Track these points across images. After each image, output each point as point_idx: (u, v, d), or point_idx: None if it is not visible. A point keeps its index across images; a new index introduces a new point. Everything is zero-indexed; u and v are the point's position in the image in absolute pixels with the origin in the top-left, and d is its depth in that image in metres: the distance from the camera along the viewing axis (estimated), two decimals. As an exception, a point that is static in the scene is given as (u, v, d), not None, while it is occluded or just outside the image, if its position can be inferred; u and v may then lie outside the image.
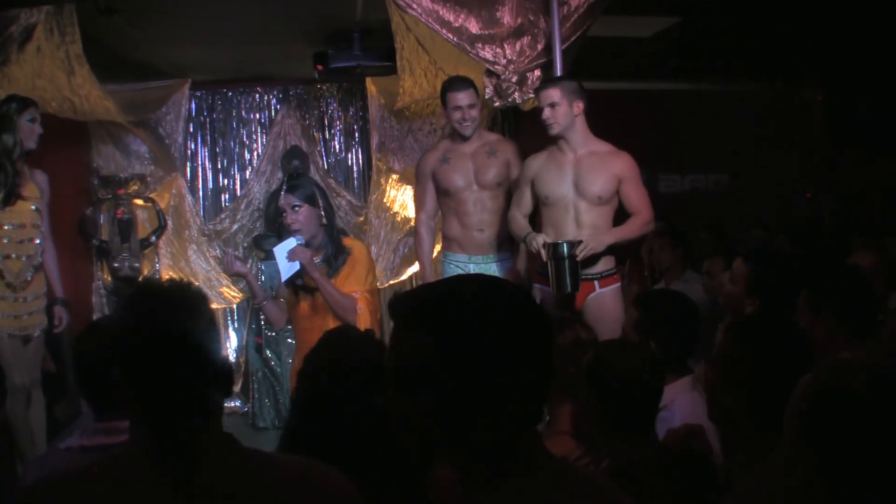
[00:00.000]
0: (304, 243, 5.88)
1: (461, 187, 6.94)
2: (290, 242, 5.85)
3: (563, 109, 6.19)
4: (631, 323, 4.66)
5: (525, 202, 6.52)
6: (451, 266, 7.08)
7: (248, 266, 5.90)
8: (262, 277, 9.74)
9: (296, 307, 6.04)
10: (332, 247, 5.97)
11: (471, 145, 6.97)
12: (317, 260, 5.89)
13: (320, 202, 5.99)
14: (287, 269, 5.84)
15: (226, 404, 10.14)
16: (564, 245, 6.00)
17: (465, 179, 6.94)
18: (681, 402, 4.19)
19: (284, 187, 6.08)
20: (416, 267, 9.85)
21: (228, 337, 10.77)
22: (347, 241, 6.18)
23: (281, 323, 6.29)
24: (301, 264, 5.80)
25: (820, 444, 2.38)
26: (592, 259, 6.19)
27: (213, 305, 10.42)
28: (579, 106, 6.25)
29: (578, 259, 6.00)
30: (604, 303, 6.31)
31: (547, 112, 6.22)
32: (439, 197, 7.10)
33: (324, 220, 5.99)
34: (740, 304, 5.73)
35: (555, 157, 6.36)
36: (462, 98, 6.77)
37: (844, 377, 2.44)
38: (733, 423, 3.26)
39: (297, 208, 5.90)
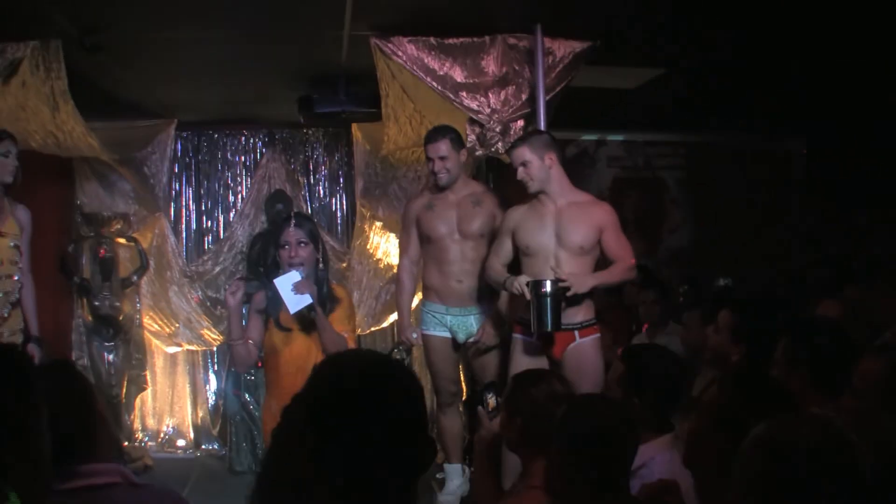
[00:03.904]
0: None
1: (444, 235, 6.94)
2: (294, 275, 5.70)
3: (535, 165, 6.21)
4: (616, 377, 4.64)
5: (504, 252, 6.51)
6: (428, 316, 7.09)
7: (239, 300, 5.76)
8: (244, 322, 9.69)
9: (282, 349, 5.85)
10: (325, 291, 5.88)
11: (456, 194, 6.98)
12: None
13: (321, 244, 5.96)
14: (295, 301, 5.66)
15: (203, 447, 10.15)
16: (547, 282, 6.00)
17: (448, 227, 6.94)
18: (660, 461, 4.15)
19: (293, 221, 5.92)
20: (396, 314, 9.83)
21: (208, 380, 10.72)
22: (332, 286, 6.11)
23: (248, 364, 6.16)
24: (311, 296, 5.68)
25: (765, 496, 2.41)
26: (574, 302, 6.19)
27: (194, 347, 10.40)
28: (551, 158, 6.26)
29: (567, 294, 6.01)
30: (584, 353, 6.29)
31: (521, 172, 6.25)
32: (422, 244, 7.10)
33: (321, 265, 5.94)
34: (725, 353, 5.75)
35: (536, 208, 6.36)
36: (432, 149, 6.82)
37: (792, 431, 2.46)
38: (710, 472, 3.26)
39: (303, 244, 5.81)
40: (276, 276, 5.83)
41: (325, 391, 2.17)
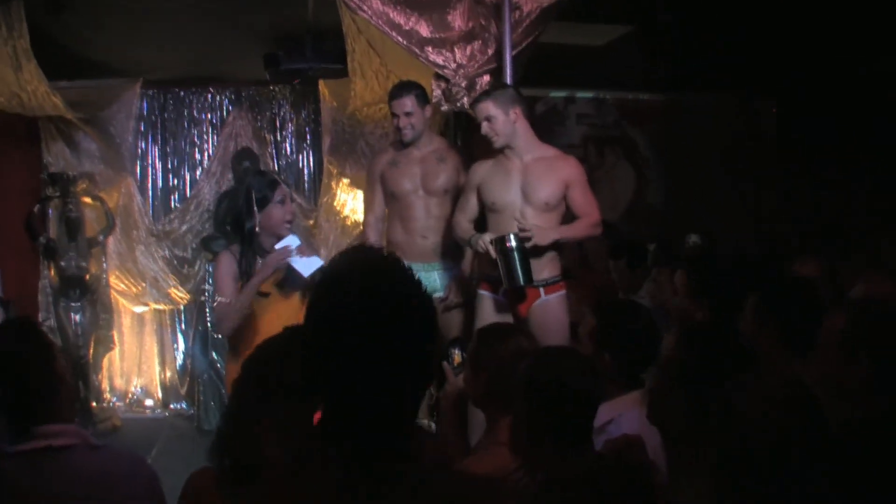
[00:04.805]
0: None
1: (408, 191, 6.90)
2: (293, 240, 5.64)
3: (500, 120, 6.14)
4: (587, 331, 4.61)
5: (470, 208, 6.46)
6: None
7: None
8: (210, 280, 9.65)
9: (261, 314, 5.65)
10: None
11: (421, 150, 6.92)
12: None
13: None
14: (306, 265, 5.59)
15: (171, 407, 10.13)
16: (511, 235, 5.95)
17: (412, 184, 6.89)
18: (628, 417, 4.12)
19: (279, 178, 5.83)
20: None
21: (176, 339, 10.68)
22: None
23: (233, 325, 5.87)
24: (319, 258, 5.64)
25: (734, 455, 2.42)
26: (538, 257, 6.15)
27: (161, 307, 10.36)
28: (516, 112, 6.20)
29: (526, 245, 5.96)
30: (550, 310, 6.26)
31: (485, 127, 6.17)
32: (386, 200, 7.05)
33: None
34: (690, 314, 5.73)
35: (502, 163, 6.31)
36: (397, 105, 6.75)
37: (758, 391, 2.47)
38: (674, 428, 3.25)
39: (293, 201, 5.78)
40: (253, 237, 5.71)
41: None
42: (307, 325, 2.06)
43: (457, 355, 4.58)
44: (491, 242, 6.03)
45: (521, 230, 5.99)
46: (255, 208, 5.69)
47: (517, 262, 5.95)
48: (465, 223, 6.45)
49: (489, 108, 6.15)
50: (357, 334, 1.97)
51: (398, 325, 1.99)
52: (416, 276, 2.11)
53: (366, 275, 2.05)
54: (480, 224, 6.46)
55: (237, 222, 5.77)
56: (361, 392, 1.97)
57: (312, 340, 2.05)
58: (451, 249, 6.93)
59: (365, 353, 1.96)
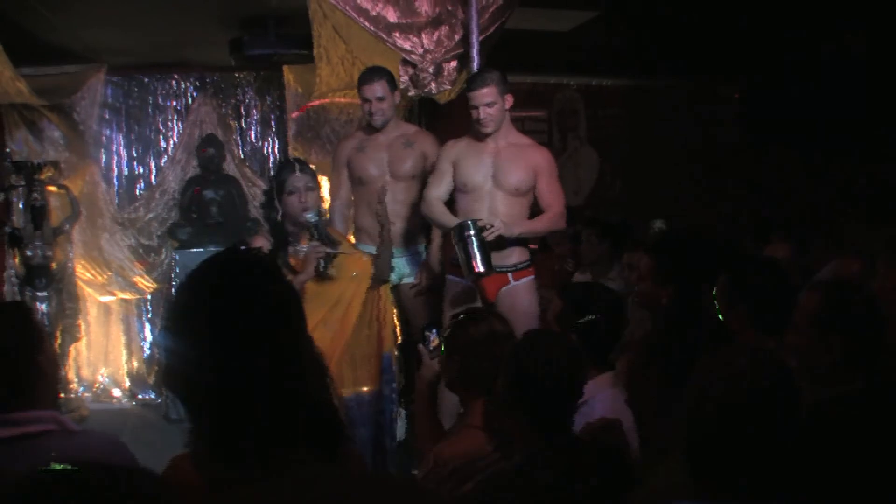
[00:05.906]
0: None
1: (375, 177, 6.88)
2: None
3: (498, 107, 6.14)
4: (554, 314, 4.63)
5: (445, 183, 6.39)
6: None
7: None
8: (177, 268, 9.60)
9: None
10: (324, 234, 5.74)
11: (387, 135, 6.91)
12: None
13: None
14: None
15: (139, 396, 10.06)
16: (469, 222, 5.94)
17: (379, 169, 6.87)
18: (601, 398, 4.15)
19: (297, 166, 5.66)
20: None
21: (142, 328, 10.64)
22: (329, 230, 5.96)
23: None
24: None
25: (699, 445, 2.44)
26: (500, 246, 6.14)
27: (127, 295, 10.31)
28: (510, 100, 6.22)
29: (486, 237, 5.94)
30: (518, 295, 6.27)
31: (484, 112, 6.13)
32: (353, 186, 7.03)
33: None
34: (656, 298, 5.76)
35: (475, 145, 6.30)
36: (368, 90, 6.70)
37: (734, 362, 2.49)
38: (648, 407, 3.28)
39: (311, 190, 5.61)
40: (276, 224, 5.64)
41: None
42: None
43: (434, 338, 4.59)
44: (451, 230, 6.04)
45: (479, 220, 5.97)
46: (275, 196, 5.64)
47: (476, 250, 5.94)
48: (441, 205, 6.41)
49: (493, 93, 6.11)
50: (208, 327, 1.99)
51: (247, 316, 2.00)
52: (272, 268, 2.13)
53: (216, 268, 2.09)
54: (449, 207, 6.46)
55: (266, 210, 5.73)
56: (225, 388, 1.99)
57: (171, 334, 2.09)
58: (418, 234, 6.93)
59: (219, 347, 1.98)
